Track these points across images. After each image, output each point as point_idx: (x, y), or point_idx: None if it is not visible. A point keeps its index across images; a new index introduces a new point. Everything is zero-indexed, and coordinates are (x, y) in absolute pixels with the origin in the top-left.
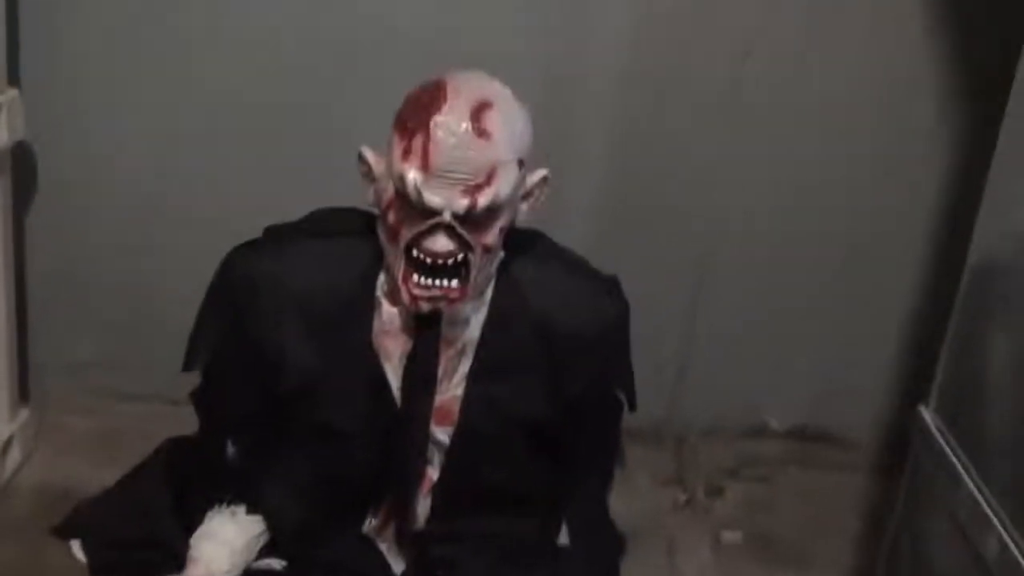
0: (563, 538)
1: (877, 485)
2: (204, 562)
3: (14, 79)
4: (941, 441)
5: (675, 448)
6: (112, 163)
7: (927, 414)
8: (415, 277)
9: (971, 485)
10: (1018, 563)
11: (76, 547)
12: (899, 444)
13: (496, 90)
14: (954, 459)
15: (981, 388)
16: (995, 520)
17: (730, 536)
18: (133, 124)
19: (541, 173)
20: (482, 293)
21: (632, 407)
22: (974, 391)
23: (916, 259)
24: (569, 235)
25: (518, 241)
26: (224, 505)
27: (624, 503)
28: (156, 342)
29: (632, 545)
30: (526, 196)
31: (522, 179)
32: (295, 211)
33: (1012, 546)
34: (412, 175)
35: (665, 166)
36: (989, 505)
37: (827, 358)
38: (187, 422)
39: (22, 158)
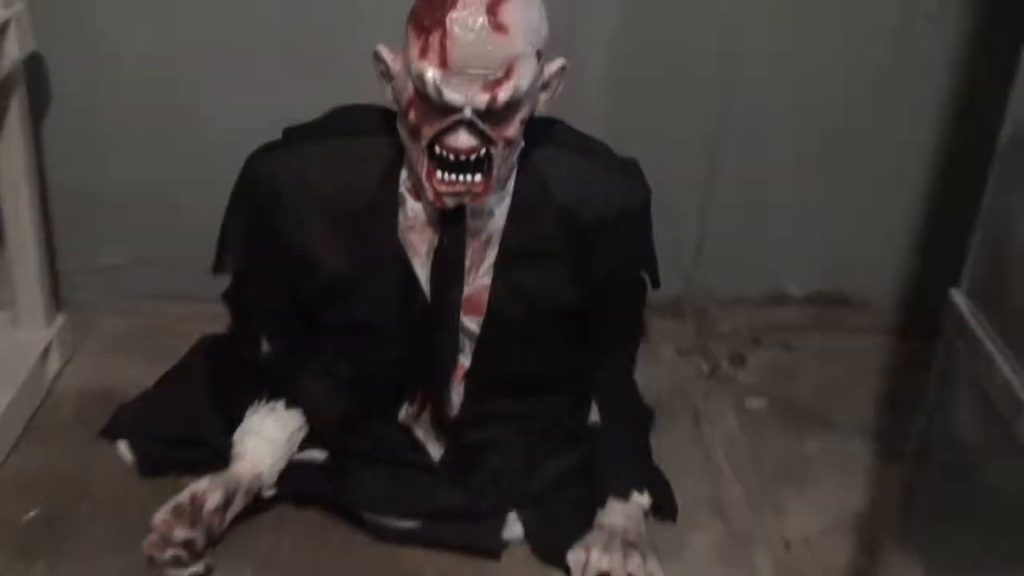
0: (593, 415)
1: (898, 346)
2: (248, 458)
3: None
4: (974, 324)
5: (696, 319)
6: (125, 69)
7: (959, 298)
8: (439, 174)
9: (1006, 369)
10: None
11: (123, 447)
12: (916, 306)
13: None
14: (988, 343)
15: (1016, 270)
16: None
17: (755, 402)
18: (144, 30)
19: (559, 63)
20: (505, 184)
21: (656, 285)
22: (1008, 274)
23: (931, 128)
24: (581, 116)
25: (538, 130)
26: (263, 401)
27: (648, 375)
28: (183, 243)
29: (659, 416)
30: (544, 87)
31: (540, 70)
32: (312, 111)
33: None
34: (431, 73)
35: (675, 38)
36: None
37: (844, 223)
38: (221, 319)
39: (36, 71)
